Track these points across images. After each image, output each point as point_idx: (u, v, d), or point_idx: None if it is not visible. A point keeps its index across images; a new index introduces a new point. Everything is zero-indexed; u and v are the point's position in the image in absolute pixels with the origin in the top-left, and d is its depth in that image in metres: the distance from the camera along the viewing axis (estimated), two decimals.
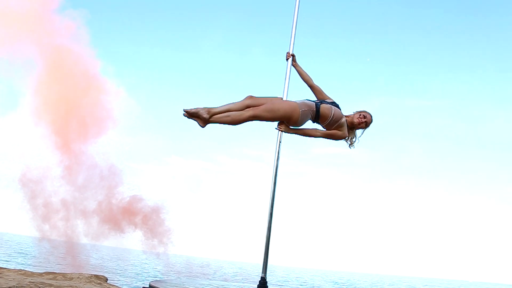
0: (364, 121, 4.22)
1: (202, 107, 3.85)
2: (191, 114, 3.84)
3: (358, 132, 4.33)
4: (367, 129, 4.33)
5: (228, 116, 3.86)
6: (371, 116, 4.27)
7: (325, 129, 4.18)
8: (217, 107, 3.90)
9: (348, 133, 4.25)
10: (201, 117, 3.83)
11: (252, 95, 4.04)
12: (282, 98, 4.10)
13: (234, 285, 4.45)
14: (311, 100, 4.16)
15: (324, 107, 4.08)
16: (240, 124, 3.93)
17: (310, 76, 4.36)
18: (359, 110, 4.30)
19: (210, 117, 3.84)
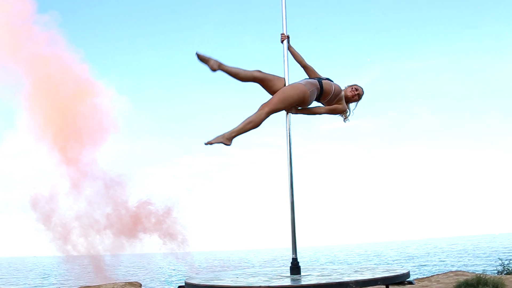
0: (356, 94, 4.36)
1: (215, 58, 3.94)
2: (202, 59, 3.94)
3: (351, 105, 4.46)
4: (364, 103, 4.48)
5: (250, 123, 3.88)
6: (362, 88, 4.43)
7: (324, 106, 4.31)
8: (228, 66, 3.98)
9: None
10: (209, 65, 3.94)
11: (260, 70, 4.12)
12: (284, 79, 4.18)
13: (267, 270, 4.51)
14: (312, 78, 4.26)
15: (326, 83, 4.18)
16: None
17: (303, 57, 4.43)
18: (349, 84, 4.43)
19: (218, 67, 3.94)
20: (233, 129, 3.86)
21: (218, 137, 3.83)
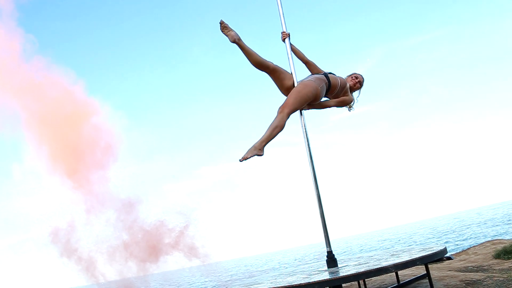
0: (357, 81, 4.50)
1: (238, 37, 4.05)
2: (224, 27, 4.07)
3: (355, 94, 4.56)
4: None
5: (276, 128, 3.91)
6: (362, 75, 4.56)
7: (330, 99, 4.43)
8: (246, 44, 4.08)
9: None
10: (229, 36, 4.06)
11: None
12: (291, 73, 4.26)
13: (305, 267, 4.51)
14: (317, 74, 4.34)
15: (332, 77, 4.30)
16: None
17: (304, 53, 4.47)
18: (348, 74, 4.55)
19: (238, 40, 4.03)
20: (262, 138, 3.87)
21: (250, 150, 3.82)
